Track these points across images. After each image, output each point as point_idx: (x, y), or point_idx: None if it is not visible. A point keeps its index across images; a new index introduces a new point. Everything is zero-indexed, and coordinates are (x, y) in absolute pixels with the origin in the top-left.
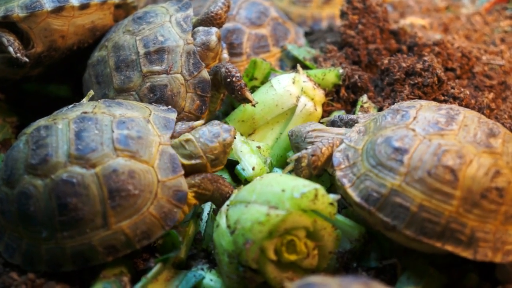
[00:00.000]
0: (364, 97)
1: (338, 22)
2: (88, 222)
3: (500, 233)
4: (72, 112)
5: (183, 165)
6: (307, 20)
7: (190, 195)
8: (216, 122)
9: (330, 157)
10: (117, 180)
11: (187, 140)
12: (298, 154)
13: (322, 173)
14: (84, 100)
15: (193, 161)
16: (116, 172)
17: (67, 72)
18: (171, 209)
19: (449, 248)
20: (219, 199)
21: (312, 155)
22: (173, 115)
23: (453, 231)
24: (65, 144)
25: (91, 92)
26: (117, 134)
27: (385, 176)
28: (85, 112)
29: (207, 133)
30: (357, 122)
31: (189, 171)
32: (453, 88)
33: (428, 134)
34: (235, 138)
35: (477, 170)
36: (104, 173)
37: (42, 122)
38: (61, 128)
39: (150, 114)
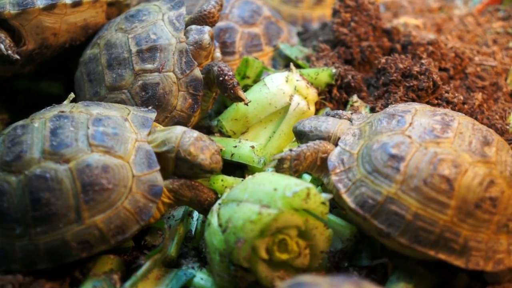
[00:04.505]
0: (354, 97)
1: (329, 24)
2: (61, 217)
3: (492, 242)
4: (50, 112)
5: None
6: (297, 20)
7: (166, 197)
8: (211, 141)
9: (313, 162)
10: (91, 175)
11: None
12: (282, 154)
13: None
14: (65, 102)
15: (163, 148)
16: (90, 166)
17: (59, 69)
18: (146, 203)
19: (442, 256)
20: (198, 205)
21: (295, 159)
22: (152, 115)
23: (447, 240)
24: (40, 141)
25: (72, 95)
26: (93, 130)
27: (381, 183)
28: (62, 111)
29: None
30: (342, 116)
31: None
32: (447, 92)
33: (424, 142)
34: (210, 170)
35: (472, 179)
36: (77, 167)
37: (20, 122)
38: (37, 126)
39: (128, 114)
